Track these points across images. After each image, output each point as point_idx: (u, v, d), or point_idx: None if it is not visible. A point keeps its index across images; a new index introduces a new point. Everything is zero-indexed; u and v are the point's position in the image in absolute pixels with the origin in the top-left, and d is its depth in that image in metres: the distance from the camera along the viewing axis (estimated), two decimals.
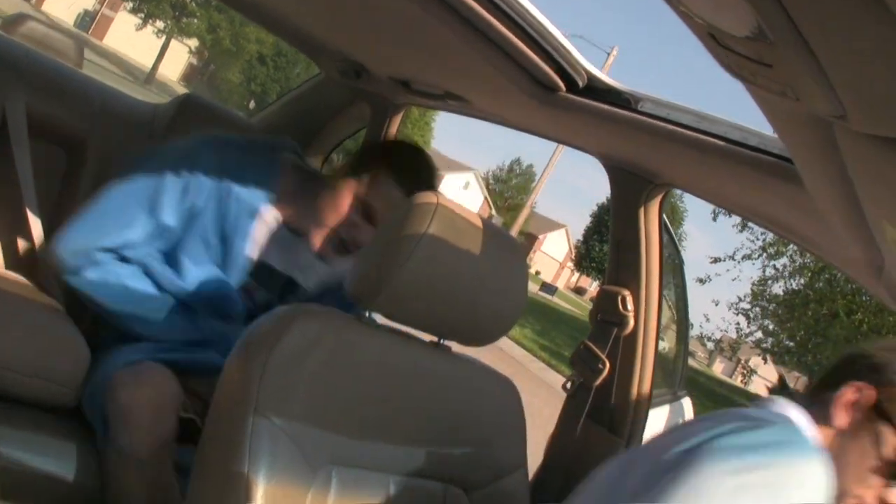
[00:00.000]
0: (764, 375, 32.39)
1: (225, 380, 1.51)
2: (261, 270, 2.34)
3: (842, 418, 1.49)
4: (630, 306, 2.24)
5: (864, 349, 1.64)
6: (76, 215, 2.23)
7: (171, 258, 2.25)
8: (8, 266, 2.46)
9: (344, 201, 2.23)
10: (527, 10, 1.78)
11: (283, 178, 2.35)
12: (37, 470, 2.03)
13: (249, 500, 1.37)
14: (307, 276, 2.42)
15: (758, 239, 21.02)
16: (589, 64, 1.95)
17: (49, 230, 2.49)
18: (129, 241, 2.20)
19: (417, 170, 2.27)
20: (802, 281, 21.74)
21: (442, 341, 1.75)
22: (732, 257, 21.62)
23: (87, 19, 43.61)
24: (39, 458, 2.04)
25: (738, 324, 23.11)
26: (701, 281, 22.81)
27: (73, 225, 2.22)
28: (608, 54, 31.72)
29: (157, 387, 2.04)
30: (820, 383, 1.63)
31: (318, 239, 2.26)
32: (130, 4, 37.75)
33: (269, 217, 2.30)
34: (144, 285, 2.22)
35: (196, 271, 2.24)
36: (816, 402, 1.55)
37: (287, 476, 1.42)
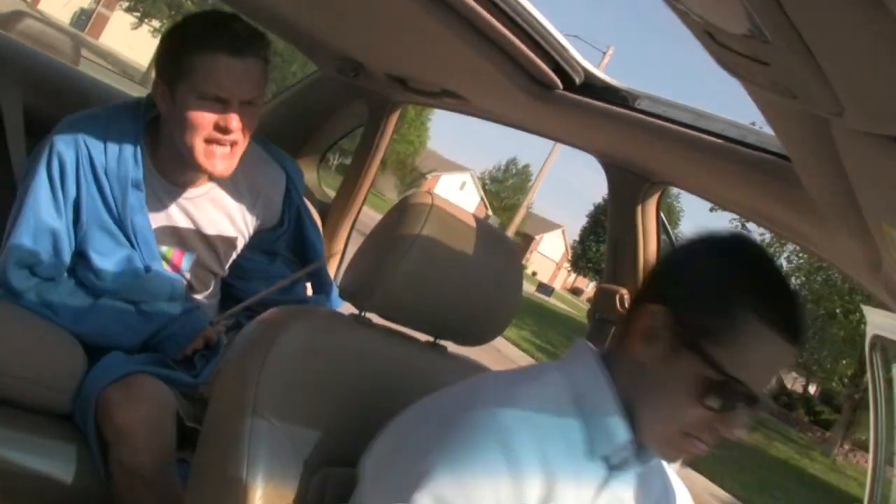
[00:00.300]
0: None
1: (222, 382, 1.51)
2: (171, 235, 2.25)
3: (639, 352, 1.34)
4: (628, 305, 2.24)
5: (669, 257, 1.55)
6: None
7: (84, 259, 2.15)
8: None
9: (188, 117, 2.03)
10: (524, 8, 1.78)
11: (149, 137, 2.18)
12: (34, 471, 2.02)
13: (247, 502, 1.37)
14: (227, 225, 2.33)
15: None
16: (586, 62, 1.95)
17: None
18: (31, 258, 2.09)
19: (229, 31, 2.05)
20: (798, 281, 21.79)
21: (438, 341, 1.75)
22: None
23: (83, 18, 43.56)
24: (37, 460, 2.03)
25: None
26: None
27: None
28: (604, 54, 31.76)
29: (151, 401, 2.03)
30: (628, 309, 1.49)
31: (199, 158, 2.08)
32: (126, 3, 37.72)
33: (151, 183, 2.16)
34: (79, 296, 2.16)
35: (107, 263, 2.14)
36: (626, 331, 1.40)
37: (285, 477, 1.42)
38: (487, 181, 65.53)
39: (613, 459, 1.34)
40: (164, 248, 2.25)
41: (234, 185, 2.28)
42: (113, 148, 2.12)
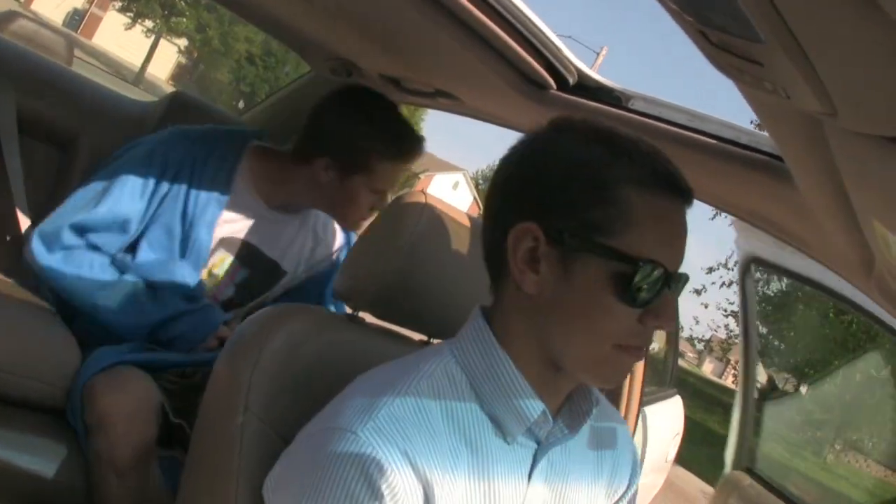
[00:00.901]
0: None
1: (215, 381, 1.50)
2: (242, 251, 2.40)
3: (529, 283, 1.18)
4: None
5: None
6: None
7: (133, 244, 2.30)
8: None
9: (354, 198, 2.34)
10: (517, 8, 1.78)
11: (255, 164, 2.40)
12: (25, 470, 2.02)
13: (239, 500, 1.37)
14: (290, 259, 2.50)
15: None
16: (579, 62, 1.95)
17: None
18: (95, 223, 2.24)
19: (408, 140, 2.38)
20: (790, 282, 21.82)
21: (431, 340, 1.74)
22: (725, 265, 21.74)
23: (76, 18, 43.42)
24: (28, 458, 2.04)
25: (727, 325, 23.20)
26: (697, 292, 22.92)
27: (53, 213, 2.27)
28: (597, 54, 31.80)
29: (135, 393, 2.04)
30: (485, 251, 1.31)
31: (348, 223, 2.46)
32: (119, 3, 37.63)
33: (240, 203, 2.35)
34: (108, 271, 2.24)
35: (151, 255, 2.28)
36: (499, 275, 1.26)
37: None
38: (480, 181, 65.39)
39: (537, 434, 1.23)
40: (228, 260, 2.39)
41: (309, 229, 2.53)
42: (211, 168, 2.33)
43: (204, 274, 2.37)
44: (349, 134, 2.31)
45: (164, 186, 2.28)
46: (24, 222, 2.45)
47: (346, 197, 2.35)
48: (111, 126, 2.74)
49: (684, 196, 1.19)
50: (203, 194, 2.31)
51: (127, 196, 2.25)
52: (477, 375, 1.22)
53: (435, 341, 1.74)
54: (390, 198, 2.12)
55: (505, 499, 1.21)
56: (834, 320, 21.12)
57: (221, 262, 2.40)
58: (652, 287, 1.14)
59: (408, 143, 2.35)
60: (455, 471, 1.16)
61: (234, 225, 2.37)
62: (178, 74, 47.98)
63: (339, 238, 2.64)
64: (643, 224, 1.14)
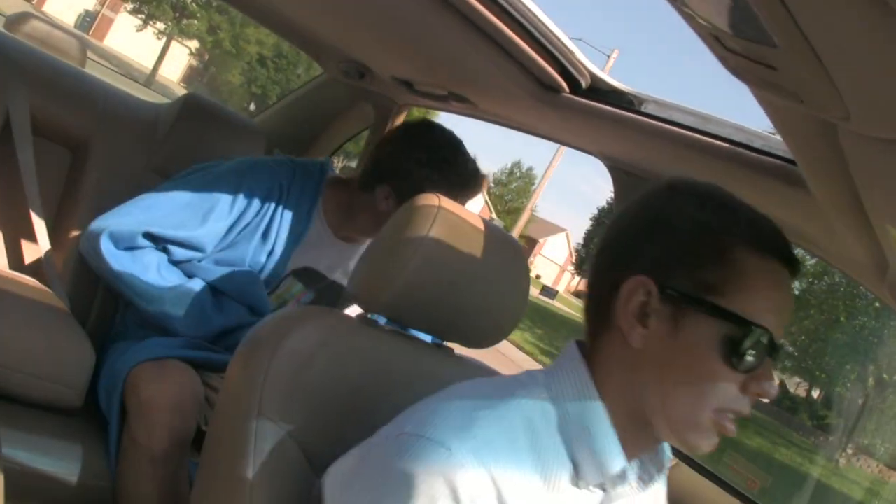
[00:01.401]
0: None
1: (228, 383, 1.50)
2: (308, 275, 2.46)
3: (637, 337, 1.17)
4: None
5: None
6: (120, 205, 2.31)
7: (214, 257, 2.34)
8: (12, 266, 2.46)
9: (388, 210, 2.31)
10: (530, 11, 1.78)
11: (328, 195, 2.47)
12: (42, 472, 2.03)
13: (253, 503, 1.37)
14: (339, 276, 2.55)
15: None
16: (592, 65, 1.95)
17: (52, 230, 2.49)
18: (170, 238, 2.26)
19: (457, 166, 2.35)
20: (801, 286, 21.76)
21: (444, 343, 1.74)
22: None
23: (87, 20, 43.56)
24: (44, 460, 2.04)
25: None
26: None
27: (120, 211, 2.28)
28: (608, 57, 31.76)
29: (180, 384, 2.06)
30: (590, 298, 1.29)
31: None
32: (131, 5, 37.71)
33: (314, 234, 2.42)
34: (176, 273, 2.27)
35: (223, 271, 2.31)
36: (602, 325, 1.23)
37: (290, 479, 1.41)
38: (492, 184, 65.38)
39: (606, 487, 1.20)
40: (297, 287, 2.45)
41: None
42: (294, 198, 2.40)
43: (272, 298, 2.42)
44: (406, 161, 2.34)
45: (248, 216, 2.34)
46: (38, 223, 2.46)
47: (384, 209, 2.35)
48: (124, 128, 2.74)
49: (794, 268, 1.18)
50: (284, 227, 2.37)
51: (211, 220, 2.29)
52: (569, 419, 1.20)
53: (447, 344, 1.74)
54: None
55: None
56: (845, 324, 21.07)
57: (289, 289, 2.46)
58: (758, 353, 1.13)
59: (463, 173, 2.36)
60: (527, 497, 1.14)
61: (305, 255, 2.43)
62: (190, 76, 48.11)
63: None
64: (756, 289, 1.14)
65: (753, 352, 1.12)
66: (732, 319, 1.12)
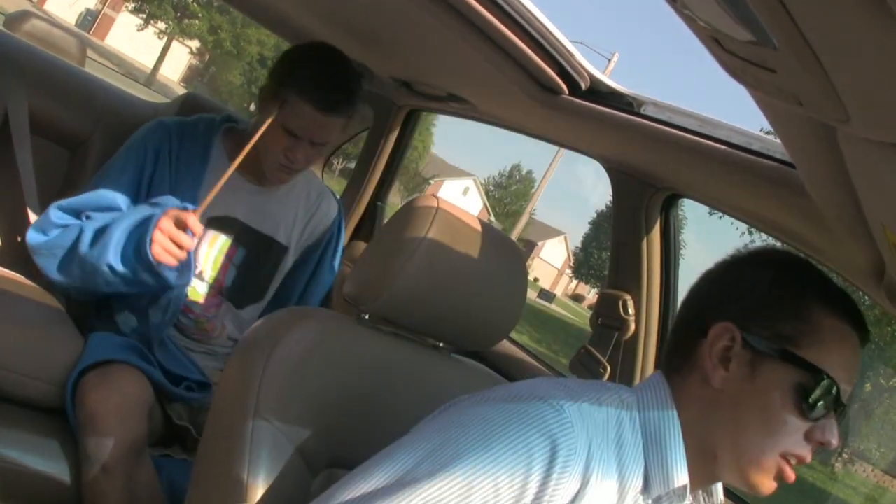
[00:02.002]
0: None
1: (224, 382, 1.50)
2: (231, 226, 2.42)
3: (718, 378, 1.25)
4: (631, 310, 2.24)
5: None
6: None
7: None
8: (8, 265, 2.46)
9: (270, 134, 2.26)
10: (530, 13, 1.78)
11: (227, 142, 2.47)
12: (35, 471, 2.03)
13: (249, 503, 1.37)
14: (284, 233, 2.51)
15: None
16: (592, 67, 1.95)
17: None
18: (83, 204, 2.29)
19: (326, 83, 2.27)
20: None
21: (442, 345, 1.74)
22: None
23: (88, 19, 43.58)
24: (38, 459, 2.04)
25: None
26: None
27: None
28: (609, 60, 31.78)
29: (126, 391, 2.04)
30: (676, 337, 1.37)
31: (268, 170, 2.38)
32: (132, 5, 37.73)
33: (218, 176, 2.30)
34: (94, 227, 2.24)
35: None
36: (685, 363, 1.31)
37: (287, 479, 1.41)
38: (491, 187, 65.38)
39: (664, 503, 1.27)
40: (222, 239, 2.41)
41: (296, 200, 2.54)
42: (187, 149, 2.41)
43: (203, 259, 2.40)
44: (277, 69, 2.37)
45: (149, 169, 2.35)
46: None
47: (265, 133, 2.26)
48: (123, 127, 2.74)
49: (864, 334, 1.26)
50: (183, 172, 2.37)
51: (113, 180, 2.31)
52: (649, 428, 1.27)
53: (445, 345, 1.74)
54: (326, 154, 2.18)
55: None
56: None
57: (215, 241, 2.41)
58: (826, 403, 1.21)
59: (325, 89, 2.25)
60: (605, 493, 1.21)
61: (220, 203, 2.30)
62: (190, 76, 48.14)
63: (333, 213, 2.65)
64: (828, 343, 1.22)
65: (822, 402, 1.20)
66: (805, 368, 1.21)
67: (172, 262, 2.11)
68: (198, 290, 2.42)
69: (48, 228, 2.24)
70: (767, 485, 1.26)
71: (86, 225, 2.21)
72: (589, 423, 1.20)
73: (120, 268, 2.13)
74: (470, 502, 1.13)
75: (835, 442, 1.22)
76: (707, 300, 1.34)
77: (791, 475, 1.24)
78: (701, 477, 1.29)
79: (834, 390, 1.20)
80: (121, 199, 2.30)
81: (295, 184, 2.54)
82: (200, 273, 2.42)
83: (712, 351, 1.25)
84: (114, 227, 2.16)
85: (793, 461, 1.23)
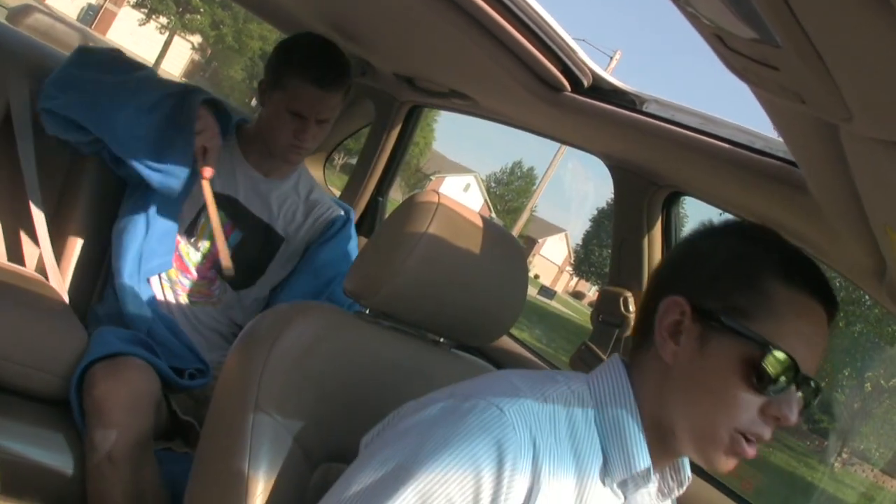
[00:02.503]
0: None
1: (225, 376, 1.50)
2: (230, 205, 2.48)
3: (669, 352, 1.24)
4: (632, 307, 2.24)
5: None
6: None
7: None
8: (11, 259, 2.46)
9: (278, 119, 2.42)
10: (533, 10, 1.78)
11: (241, 133, 2.59)
12: (38, 463, 2.03)
13: (249, 496, 1.37)
14: (282, 223, 2.55)
15: None
16: (594, 64, 1.95)
17: (52, 223, 2.49)
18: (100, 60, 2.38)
19: (321, 63, 2.41)
20: None
21: (443, 340, 1.74)
22: None
23: (90, 13, 43.55)
24: (40, 451, 2.04)
25: None
26: None
27: None
28: (611, 58, 31.76)
29: (133, 382, 2.05)
30: (639, 315, 1.37)
31: (280, 154, 2.49)
32: (134, 0, 37.75)
33: (239, 165, 2.51)
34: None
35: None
36: (644, 339, 1.31)
37: (287, 472, 1.41)
38: (492, 183, 65.32)
39: (629, 488, 1.26)
40: (220, 214, 2.42)
41: (296, 197, 2.61)
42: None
43: (199, 228, 2.45)
44: (273, 56, 2.49)
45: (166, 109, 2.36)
46: (38, 216, 2.46)
47: (269, 117, 2.45)
48: None
49: (829, 306, 1.22)
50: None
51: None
52: (605, 415, 1.27)
53: (445, 340, 1.74)
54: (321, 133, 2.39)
55: None
56: (844, 329, 21.05)
57: (223, 220, 2.45)
58: (778, 378, 1.17)
59: (322, 68, 2.40)
60: (561, 486, 1.21)
61: (220, 181, 2.45)
62: (192, 71, 48.09)
63: (335, 210, 2.70)
64: (782, 316, 1.19)
65: (778, 376, 1.17)
66: (756, 341, 1.18)
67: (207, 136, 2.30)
68: (191, 257, 2.48)
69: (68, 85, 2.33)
70: (723, 461, 1.24)
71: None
72: (532, 421, 1.19)
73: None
74: None
75: (792, 417, 1.19)
76: (665, 274, 1.34)
77: (748, 452, 1.21)
78: (663, 454, 1.29)
79: (786, 364, 1.17)
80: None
81: (299, 181, 2.61)
82: (195, 241, 2.47)
83: (662, 325, 1.25)
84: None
85: (751, 438, 1.20)
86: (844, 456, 22.68)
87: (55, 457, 2.05)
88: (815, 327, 1.21)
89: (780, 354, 1.17)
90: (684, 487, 1.35)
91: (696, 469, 2.16)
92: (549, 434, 1.20)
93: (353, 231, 2.70)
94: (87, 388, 2.05)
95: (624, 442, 1.24)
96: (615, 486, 1.26)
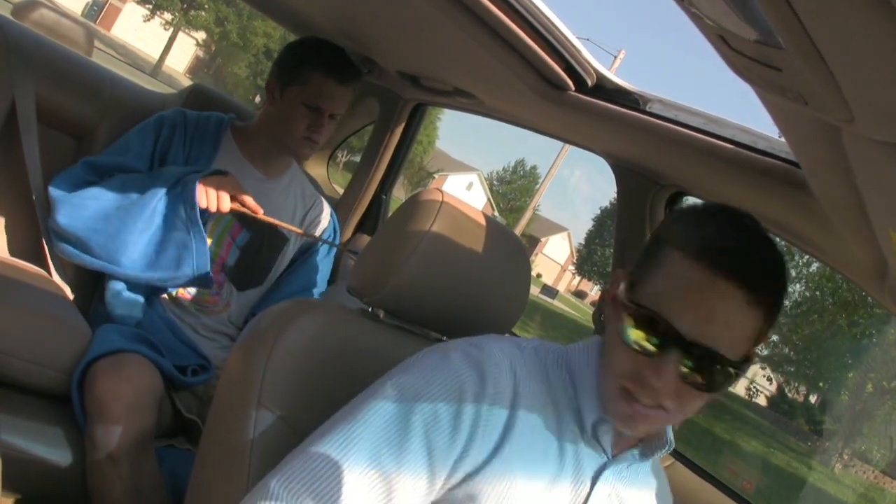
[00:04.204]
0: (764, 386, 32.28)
1: (228, 372, 1.51)
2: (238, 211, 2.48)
3: (606, 319, 1.32)
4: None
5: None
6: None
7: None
8: (15, 253, 2.47)
9: (293, 113, 2.52)
10: (537, 8, 1.78)
11: (235, 132, 2.65)
12: (40, 458, 2.03)
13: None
14: (280, 218, 2.56)
15: None
16: (598, 64, 1.95)
17: None
18: (106, 164, 2.40)
19: (339, 59, 2.57)
20: (806, 292, 21.73)
21: (445, 338, 1.74)
22: None
23: (94, 9, 43.59)
24: (43, 447, 2.04)
25: None
26: None
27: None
28: (615, 57, 31.72)
29: (136, 380, 2.05)
30: None
31: (293, 147, 2.56)
32: None
33: (231, 161, 2.55)
34: (110, 194, 2.32)
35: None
36: None
37: None
38: (495, 182, 65.25)
39: (604, 442, 1.32)
40: (227, 218, 2.50)
41: (294, 195, 2.69)
42: (202, 133, 2.57)
43: (207, 233, 2.44)
44: (289, 54, 2.61)
45: (165, 146, 2.49)
46: (42, 211, 2.46)
47: (283, 111, 2.54)
48: (129, 117, 2.74)
49: (731, 277, 1.17)
50: (194, 157, 2.51)
51: (134, 149, 2.45)
52: (573, 362, 1.36)
53: (447, 339, 1.74)
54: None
55: (566, 484, 1.31)
56: (846, 330, 21.06)
57: (220, 219, 2.48)
58: (650, 340, 1.20)
59: (339, 59, 2.56)
60: (537, 423, 1.29)
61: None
62: (196, 67, 48.11)
63: (326, 211, 2.81)
64: (670, 284, 1.21)
65: (642, 336, 1.20)
66: (630, 300, 1.23)
67: (213, 205, 2.29)
68: None
69: (74, 181, 2.33)
70: (620, 416, 1.27)
71: (117, 176, 2.35)
72: (512, 356, 1.30)
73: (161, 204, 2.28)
74: (410, 423, 1.21)
75: (654, 384, 1.19)
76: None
77: (638, 411, 1.23)
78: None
79: (661, 327, 1.18)
80: (140, 168, 2.41)
81: (293, 178, 2.70)
82: None
83: (608, 297, 1.32)
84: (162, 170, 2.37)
85: (637, 396, 1.22)
86: (845, 457, 22.68)
87: (57, 453, 2.05)
88: (706, 299, 1.18)
89: (650, 315, 1.19)
90: (665, 448, 1.37)
91: (697, 470, 2.18)
92: (531, 377, 1.31)
93: (337, 232, 2.85)
94: (88, 384, 2.06)
95: (580, 399, 1.33)
96: (589, 431, 1.32)
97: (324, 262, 2.77)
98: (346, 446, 1.21)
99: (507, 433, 1.25)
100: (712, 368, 1.18)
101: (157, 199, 2.27)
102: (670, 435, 1.38)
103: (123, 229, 2.24)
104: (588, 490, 1.33)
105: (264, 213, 2.45)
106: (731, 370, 1.20)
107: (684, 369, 1.18)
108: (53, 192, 2.31)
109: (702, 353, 1.18)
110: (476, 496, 1.23)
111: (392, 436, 1.21)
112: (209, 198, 2.29)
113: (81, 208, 2.26)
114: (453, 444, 1.22)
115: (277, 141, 2.57)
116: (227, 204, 2.32)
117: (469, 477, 1.23)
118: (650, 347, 1.19)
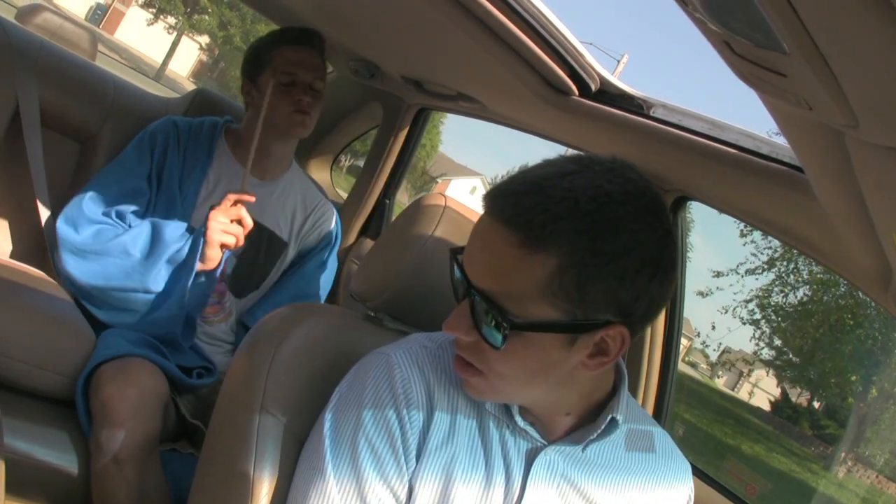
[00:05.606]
0: (766, 388, 32.24)
1: (231, 377, 1.50)
2: None
3: None
4: None
5: None
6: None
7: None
8: (18, 256, 2.47)
9: (272, 98, 2.45)
10: (540, 13, 1.78)
11: (229, 137, 2.64)
12: (43, 462, 2.03)
13: (254, 497, 1.36)
14: (284, 228, 2.60)
15: (761, 253, 20.99)
16: (602, 68, 1.95)
17: None
18: (110, 196, 2.37)
19: (295, 29, 2.63)
20: (809, 294, 21.69)
21: None
22: (736, 271, 21.55)
23: (98, 13, 43.57)
24: (46, 451, 2.04)
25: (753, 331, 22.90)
26: (702, 294, 22.72)
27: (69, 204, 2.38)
28: (618, 62, 31.74)
29: (141, 384, 2.05)
30: None
31: (286, 127, 2.54)
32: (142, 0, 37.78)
33: (225, 168, 2.56)
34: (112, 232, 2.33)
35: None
36: None
37: (292, 473, 1.42)
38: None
39: (511, 427, 1.32)
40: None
41: (293, 197, 2.67)
42: (196, 140, 2.57)
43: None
44: (248, 53, 2.65)
45: (160, 160, 2.49)
46: (45, 214, 2.47)
47: (264, 101, 2.45)
48: (133, 121, 2.75)
49: (499, 217, 1.19)
50: (190, 165, 2.50)
51: (131, 169, 2.44)
52: None
53: None
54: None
55: (499, 475, 1.30)
56: (850, 334, 21.01)
57: None
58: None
59: (295, 31, 2.60)
60: (457, 423, 1.31)
61: (219, 188, 2.51)
62: (199, 71, 48.11)
63: (333, 215, 2.79)
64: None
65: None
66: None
67: (231, 241, 2.30)
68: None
69: (80, 223, 2.31)
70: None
71: (122, 236, 2.31)
72: (423, 360, 1.32)
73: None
74: (361, 469, 1.25)
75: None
76: None
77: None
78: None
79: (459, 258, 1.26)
80: (143, 187, 2.41)
81: (292, 181, 2.67)
82: None
83: None
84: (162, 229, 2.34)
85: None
86: (849, 462, 22.63)
87: (61, 457, 2.05)
88: (475, 235, 1.22)
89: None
90: (602, 436, 1.34)
91: (698, 473, 2.17)
92: (440, 370, 1.33)
93: (335, 255, 2.80)
94: (94, 389, 2.06)
95: None
96: (517, 422, 1.31)
97: (322, 269, 2.74)
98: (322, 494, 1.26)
99: (427, 434, 1.28)
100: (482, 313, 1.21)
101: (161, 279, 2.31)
102: (607, 421, 1.34)
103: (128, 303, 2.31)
104: (523, 474, 1.31)
105: (258, 217, 2.46)
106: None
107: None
108: (61, 230, 2.31)
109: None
110: (415, 497, 1.26)
111: (347, 464, 1.26)
112: (226, 241, 2.31)
113: (87, 262, 2.30)
114: (394, 446, 1.26)
115: (269, 132, 2.50)
116: (241, 230, 2.32)
117: (413, 475, 1.27)
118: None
